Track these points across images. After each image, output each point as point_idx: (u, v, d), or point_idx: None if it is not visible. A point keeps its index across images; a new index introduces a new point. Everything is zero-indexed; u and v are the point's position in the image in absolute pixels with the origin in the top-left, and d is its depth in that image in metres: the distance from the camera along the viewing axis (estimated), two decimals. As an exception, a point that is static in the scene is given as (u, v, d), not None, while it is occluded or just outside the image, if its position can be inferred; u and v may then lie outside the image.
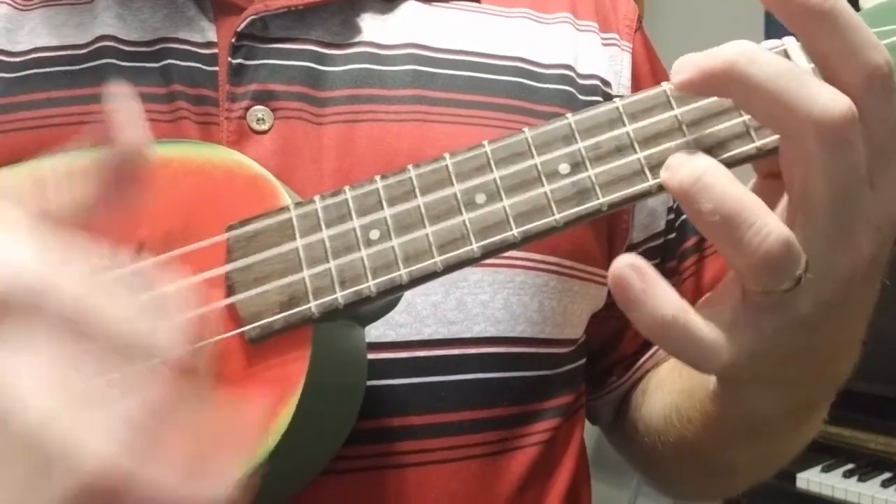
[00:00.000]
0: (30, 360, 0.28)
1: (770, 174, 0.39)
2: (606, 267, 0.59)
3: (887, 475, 1.65)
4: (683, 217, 0.64)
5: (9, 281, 0.29)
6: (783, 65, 0.34)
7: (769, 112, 0.35)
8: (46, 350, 0.29)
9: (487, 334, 0.53)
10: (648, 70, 0.63)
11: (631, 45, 0.62)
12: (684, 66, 0.36)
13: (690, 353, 0.36)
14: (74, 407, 0.27)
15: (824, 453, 1.71)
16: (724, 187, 0.34)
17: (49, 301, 0.29)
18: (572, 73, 0.59)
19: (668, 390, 0.60)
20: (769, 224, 0.34)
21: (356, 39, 0.55)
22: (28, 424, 0.27)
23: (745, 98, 0.35)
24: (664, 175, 0.36)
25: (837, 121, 0.33)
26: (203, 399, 0.30)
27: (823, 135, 0.34)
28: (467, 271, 0.52)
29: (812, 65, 0.37)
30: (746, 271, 0.35)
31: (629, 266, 0.35)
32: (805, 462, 1.70)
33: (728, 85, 0.35)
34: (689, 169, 0.35)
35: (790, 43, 0.39)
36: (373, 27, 0.56)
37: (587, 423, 0.67)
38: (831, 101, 0.34)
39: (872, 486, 1.62)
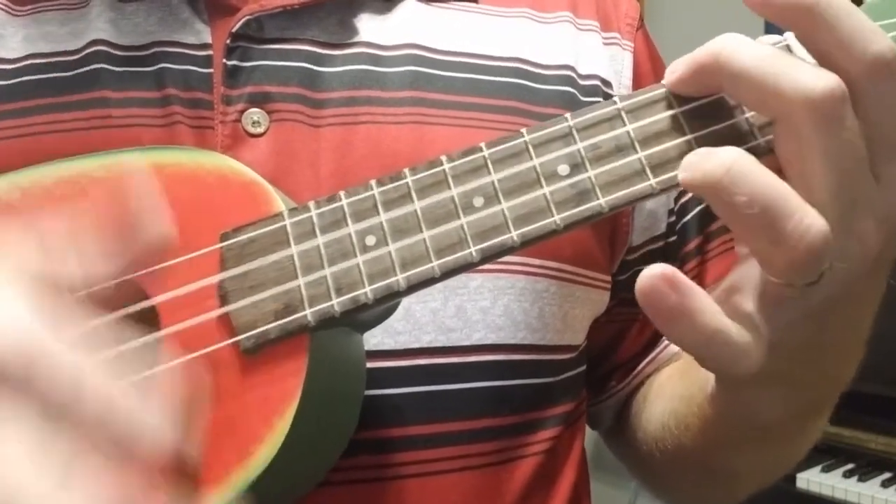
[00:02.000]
0: (18, 436, 0.28)
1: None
2: (608, 271, 0.59)
3: (887, 475, 1.65)
4: (685, 220, 0.64)
5: (5, 347, 0.29)
6: (766, 50, 0.34)
7: (759, 97, 0.35)
8: (31, 425, 0.28)
9: (487, 342, 0.52)
10: (650, 69, 0.62)
11: (632, 45, 0.62)
12: (676, 66, 0.37)
13: (725, 358, 0.35)
14: (62, 487, 0.27)
15: (824, 453, 1.71)
16: (760, 176, 0.33)
17: (42, 373, 0.29)
18: (573, 74, 0.58)
19: (667, 397, 0.60)
20: (809, 214, 0.33)
21: (354, 40, 0.54)
22: None
23: (734, 85, 0.35)
24: (682, 176, 0.34)
25: (824, 96, 0.33)
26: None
27: (813, 112, 0.33)
28: (467, 277, 0.51)
29: None
30: (784, 265, 0.34)
31: (660, 278, 0.33)
32: (805, 462, 1.68)
33: (717, 75, 0.35)
34: (716, 160, 0.33)
35: (791, 37, 0.38)
36: (371, 27, 0.55)
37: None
38: (816, 77, 0.33)
39: (872, 486, 1.62)
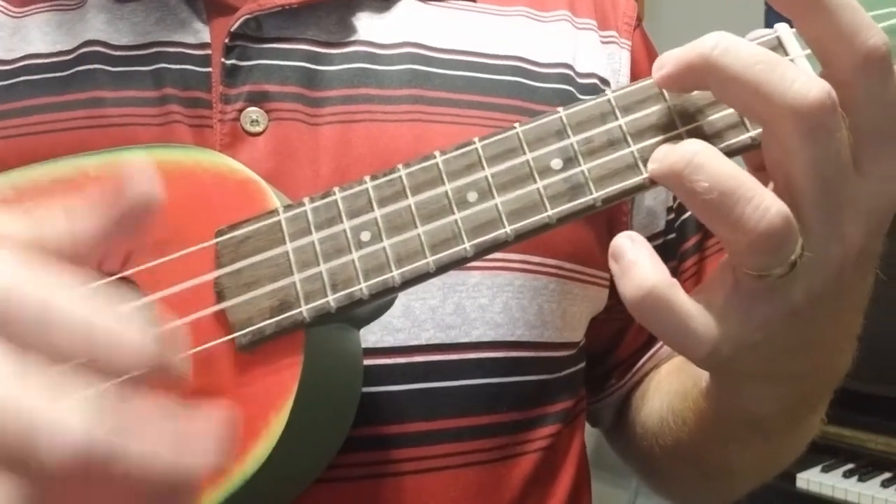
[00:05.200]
0: None
1: (761, 166, 0.38)
2: (607, 268, 0.59)
3: (887, 475, 1.64)
4: (683, 217, 0.64)
5: None
6: (757, 54, 0.34)
7: (746, 102, 0.35)
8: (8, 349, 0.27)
9: (486, 339, 0.52)
10: (647, 68, 0.62)
11: (630, 43, 0.62)
12: (664, 62, 0.36)
13: (673, 332, 0.36)
14: (38, 392, 0.25)
15: (824, 453, 1.70)
16: (720, 164, 0.34)
17: (13, 297, 0.27)
18: (571, 72, 0.58)
19: (664, 392, 0.60)
20: (767, 199, 0.33)
21: (352, 38, 0.55)
22: None
23: (722, 89, 0.35)
24: (651, 167, 0.36)
25: (814, 107, 0.33)
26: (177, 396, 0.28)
27: (801, 122, 0.33)
28: (465, 275, 0.51)
29: (806, 51, 0.37)
30: (746, 249, 0.34)
31: (627, 236, 0.36)
32: (805, 462, 1.69)
33: (705, 77, 0.35)
34: (680, 151, 0.34)
35: (782, 29, 0.38)
36: (369, 26, 0.55)
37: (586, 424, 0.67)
38: (807, 86, 0.33)
39: (872, 486, 1.62)
